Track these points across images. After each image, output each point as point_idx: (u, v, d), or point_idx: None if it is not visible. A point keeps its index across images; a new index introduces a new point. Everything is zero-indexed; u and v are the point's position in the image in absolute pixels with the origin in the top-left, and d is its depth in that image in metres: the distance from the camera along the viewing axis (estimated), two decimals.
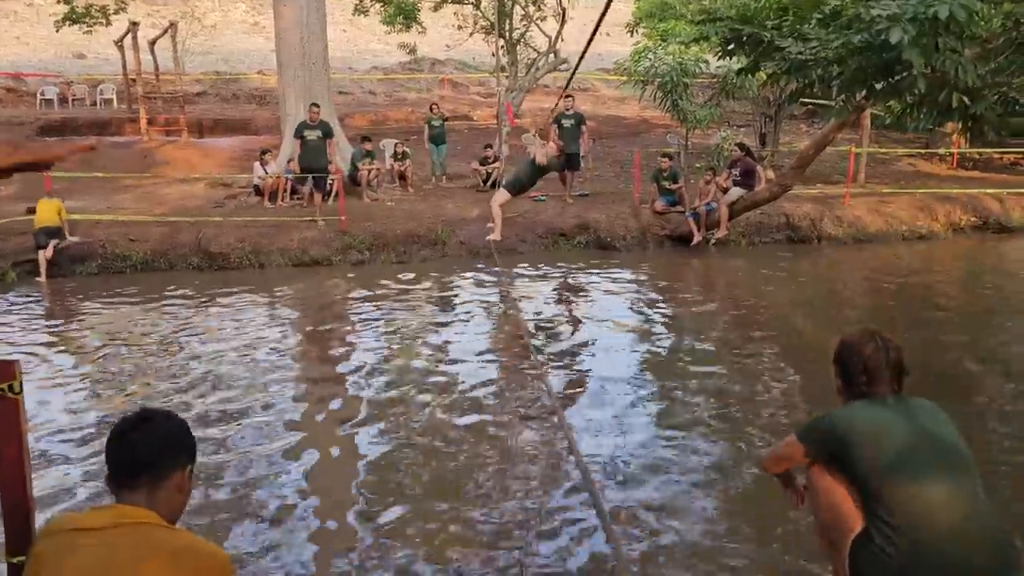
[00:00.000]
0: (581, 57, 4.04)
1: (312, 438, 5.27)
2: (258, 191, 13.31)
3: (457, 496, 4.41)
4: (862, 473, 2.23)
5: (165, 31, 18.23)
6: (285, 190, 13.21)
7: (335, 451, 5.12)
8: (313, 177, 12.33)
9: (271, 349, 7.17)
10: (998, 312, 8.88)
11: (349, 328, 8.02)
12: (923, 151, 19.41)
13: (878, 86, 5.20)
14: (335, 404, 5.89)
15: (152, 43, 18.72)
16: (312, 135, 12.42)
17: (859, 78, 4.98)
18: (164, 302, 8.99)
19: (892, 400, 2.34)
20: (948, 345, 7.36)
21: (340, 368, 6.77)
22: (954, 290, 9.95)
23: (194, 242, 10.92)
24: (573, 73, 5.15)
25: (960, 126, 9.41)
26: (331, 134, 12.70)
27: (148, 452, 1.90)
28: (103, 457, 1.95)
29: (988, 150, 18.53)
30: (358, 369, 6.65)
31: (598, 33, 3.87)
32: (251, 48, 32.09)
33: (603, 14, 3.07)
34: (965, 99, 5.21)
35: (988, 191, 14.53)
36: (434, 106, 15.99)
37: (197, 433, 2.19)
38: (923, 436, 2.23)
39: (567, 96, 14.19)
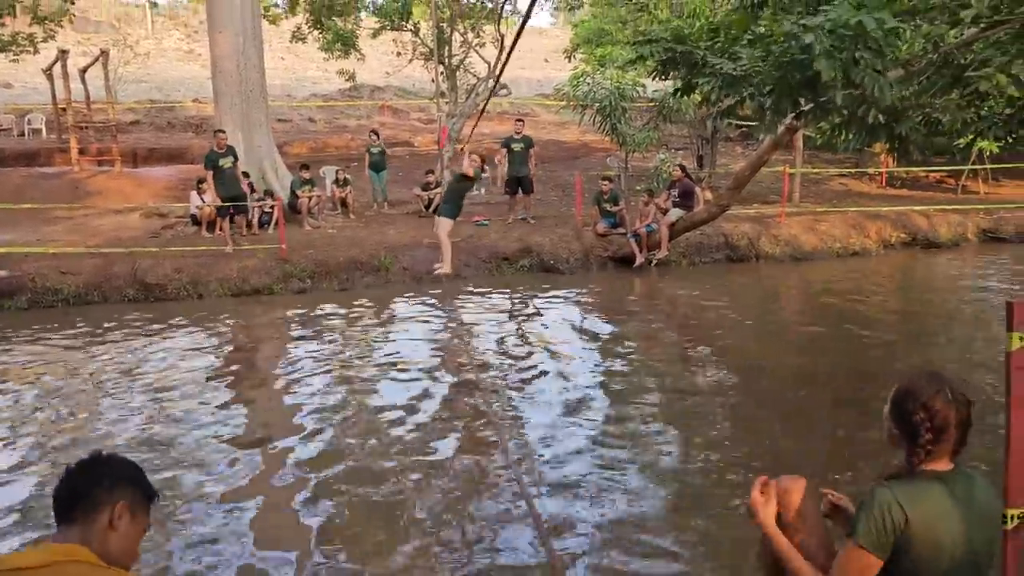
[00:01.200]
0: (499, 74, 4.08)
1: (253, 470, 5.13)
2: (195, 221, 13.05)
3: (401, 521, 4.35)
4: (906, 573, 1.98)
5: (96, 59, 17.86)
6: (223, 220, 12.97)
7: (277, 482, 5.00)
8: (235, 205, 12.09)
9: (209, 381, 7.00)
10: (927, 324, 9.15)
11: (290, 357, 7.87)
12: (853, 170, 20.02)
13: (804, 104, 5.34)
14: (276, 435, 5.76)
15: (83, 71, 18.31)
16: (227, 162, 11.95)
17: (785, 92, 5.11)
18: (98, 336, 8.72)
19: (960, 484, 2.02)
20: (880, 356, 7.55)
21: (282, 397, 6.64)
22: (886, 304, 10.23)
23: (129, 274, 10.64)
24: (492, 92, 5.20)
25: (887, 146, 9.72)
26: (238, 157, 12.39)
27: (82, 484, 1.88)
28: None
29: (915, 169, 19.18)
30: (300, 398, 6.54)
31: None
32: (186, 76, 31.66)
33: (518, 33, 3.10)
34: (881, 118, 5.38)
35: (916, 208, 15.04)
36: (373, 133, 15.96)
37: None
38: (970, 555, 1.99)
39: (518, 120, 14.31)
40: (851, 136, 6.91)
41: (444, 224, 10.48)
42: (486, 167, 11.18)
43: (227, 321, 9.36)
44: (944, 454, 2.02)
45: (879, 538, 1.94)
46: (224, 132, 12.47)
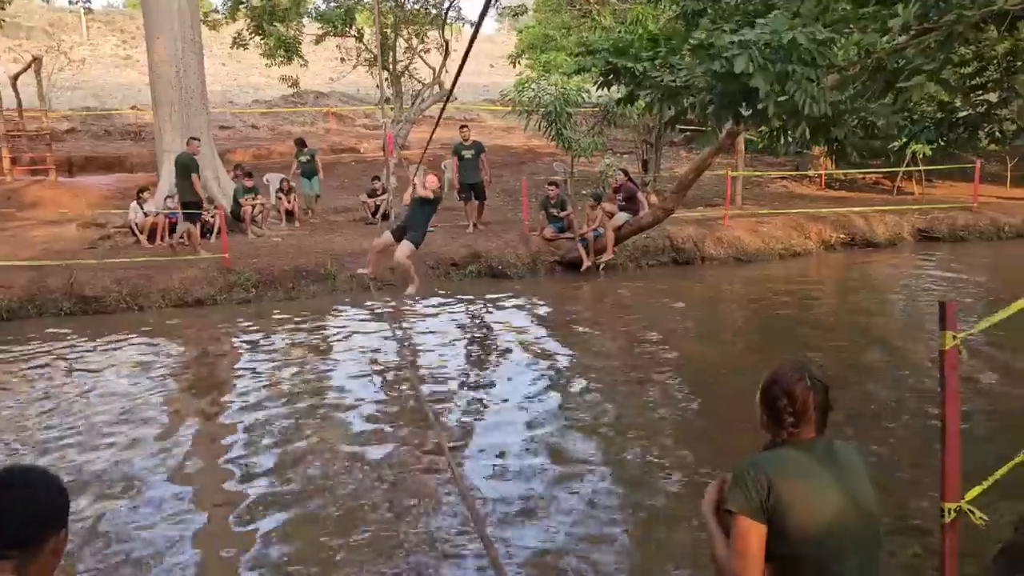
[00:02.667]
0: (453, 83, 4.06)
1: (194, 485, 5.03)
2: (135, 231, 12.75)
3: (342, 533, 4.30)
4: (786, 546, 2.03)
5: (28, 66, 17.34)
6: (164, 229, 12.70)
7: (219, 497, 4.90)
8: (191, 213, 11.91)
9: (150, 395, 6.84)
10: (867, 323, 9.38)
11: (233, 368, 7.74)
12: (794, 173, 20.46)
13: (744, 112, 5.44)
14: (219, 448, 5.67)
15: (14, 79, 17.76)
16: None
17: (724, 104, 5.20)
18: (31, 352, 8.44)
19: (821, 448, 2.13)
20: (823, 354, 7.72)
21: (226, 410, 6.52)
22: (828, 304, 10.46)
23: (65, 286, 10.33)
24: (447, 99, 5.20)
25: (826, 149, 9.97)
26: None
27: (14, 525, 1.68)
28: None
29: (852, 171, 19.68)
30: (243, 411, 6.43)
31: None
32: (123, 82, 30.93)
33: (471, 42, 3.09)
34: (807, 131, 5.52)
35: (854, 210, 15.42)
36: (300, 142, 15.81)
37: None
38: (849, 506, 2.06)
39: (463, 127, 14.26)
40: (789, 140, 7.07)
41: (405, 249, 9.26)
42: (442, 187, 10.84)
43: (169, 334, 9.14)
44: (806, 435, 2.13)
45: (750, 502, 2.02)
46: (198, 139, 12.39)
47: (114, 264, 10.95)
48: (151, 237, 12.54)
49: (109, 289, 10.37)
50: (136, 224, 12.67)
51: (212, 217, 12.50)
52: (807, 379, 2.14)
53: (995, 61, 7.90)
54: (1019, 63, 7.58)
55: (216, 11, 22.56)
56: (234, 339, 8.97)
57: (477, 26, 3.10)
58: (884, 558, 2.15)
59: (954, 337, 2.59)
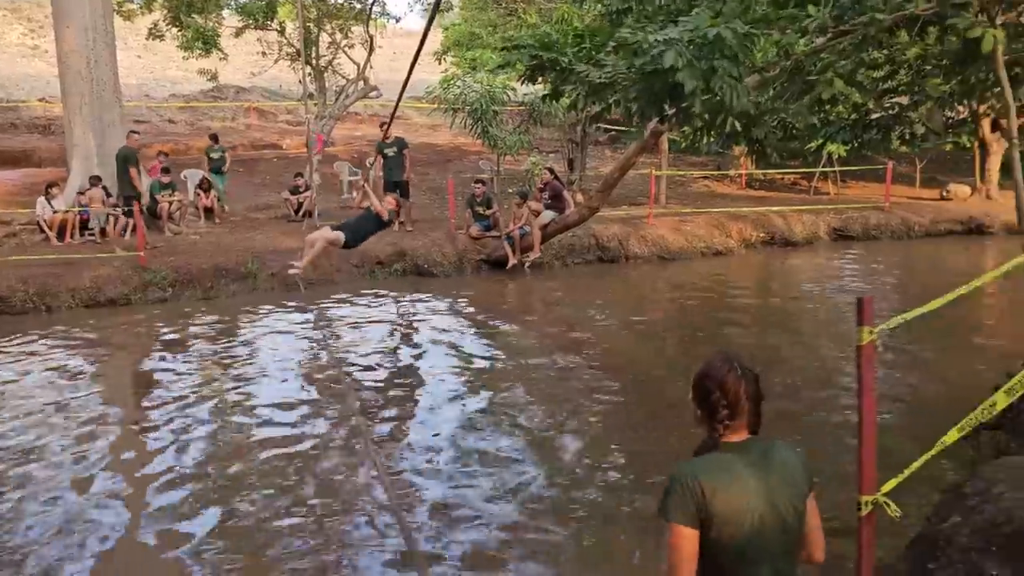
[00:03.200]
0: (403, 88, 3.98)
1: (111, 485, 4.80)
2: (43, 228, 12.17)
3: (270, 546, 4.16)
4: (705, 551, 2.06)
5: None
6: (75, 226, 12.17)
7: (137, 499, 4.69)
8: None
9: (59, 399, 6.51)
10: (787, 319, 9.61)
11: (149, 370, 7.44)
12: (716, 173, 20.87)
13: (668, 109, 5.48)
14: (135, 453, 5.44)
15: None
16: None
17: (649, 101, 5.23)
18: None
19: (756, 451, 2.12)
20: (744, 349, 7.86)
21: (142, 414, 6.26)
22: (749, 301, 10.67)
23: None
24: (397, 105, 5.09)
25: (746, 149, 10.17)
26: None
27: None
28: None
29: (772, 171, 20.18)
30: (160, 414, 6.18)
31: (408, 61, 3.81)
32: (31, 73, 29.62)
33: (421, 43, 3.01)
34: (737, 124, 5.60)
35: (773, 209, 15.81)
36: (212, 137, 15.43)
37: None
38: (770, 515, 2.06)
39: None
40: (711, 139, 7.17)
41: (334, 234, 9.11)
42: (348, 170, 10.65)
43: (79, 335, 8.74)
44: (740, 428, 2.13)
45: (683, 509, 2.02)
46: (138, 133, 12.34)
47: (20, 262, 10.43)
48: (60, 234, 12.00)
49: (15, 288, 9.86)
50: (44, 221, 12.10)
51: (127, 213, 12.04)
52: (737, 369, 2.14)
53: (906, 65, 8.17)
54: (929, 67, 7.86)
55: (131, 0, 21.72)
56: (150, 340, 8.63)
57: (428, 23, 3.02)
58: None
59: (871, 332, 2.63)
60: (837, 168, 19.44)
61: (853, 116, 8.91)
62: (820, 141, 9.19)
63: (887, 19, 5.80)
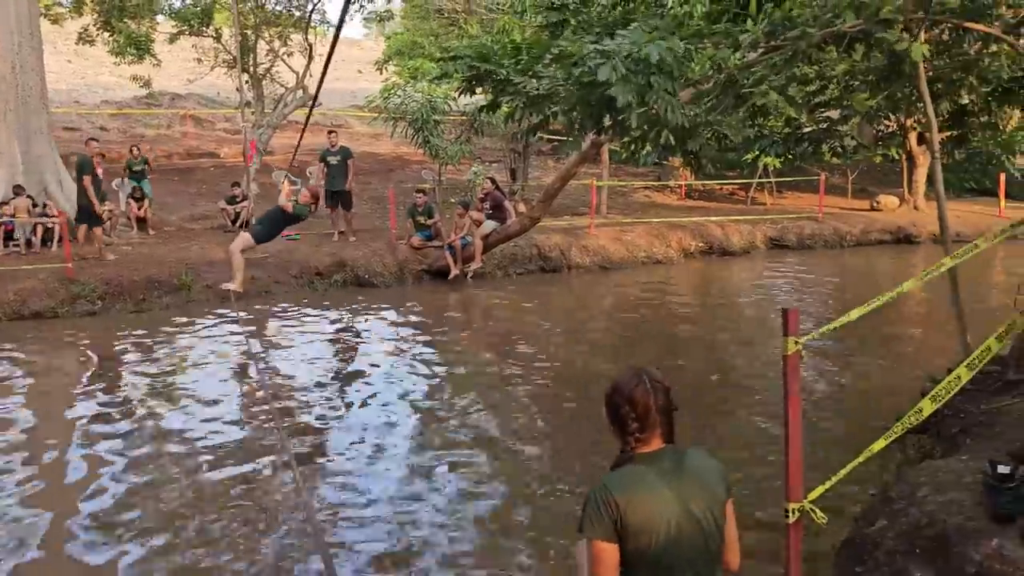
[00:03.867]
0: (318, 88, 3.93)
1: (31, 506, 4.62)
2: None
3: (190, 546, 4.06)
4: (627, 562, 2.09)
5: None
6: None
7: (58, 531, 4.52)
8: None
9: None
10: (722, 327, 9.77)
11: (75, 387, 7.20)
12: (656, 184, 21.16)
13: (606, 121, 5.54)
14: (65, 470, 5.24)
15: None
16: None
17: (586, 112, 5.27)
18: None
19: (669, 460, 2.15)
20: (681, 355, 7.97)
21: (67, 435, 6.05)
22: (686, 310, 10.82)
23: None
24: (313, 104, 5.04)
25: (683, 161, 10.34)
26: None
27: None
28: None
29: (710, 182, 20.56)
30: (84, 435, 5.99)
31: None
32: None
33: (332, 46, 2.97)
34: (671, 138, 5.69)
35: (712, 219, 16.09)
36: (135, 148, 15.06)
37: None
38: (687, 522, 2.10)
39: (331, 132, 13.89)
40: (648, 151, 7.27)
41: (242, 239, 9.63)
42: (317, 204, 10.60)
43: (1, 350, 8.41)
44: (653, 439, 2.16)
45: (599, 524, 2.05)
46: (96, 140, 12.16)
47: None
48: None
49: None
50: None
51: (52, 224, 11.68)
52: (646, 382, 2.17)
53: (835, 80, 8.40)
54: (856, 83, 8.09)
55: (60, 4, 21.11)
56: (76, 355, 8.35)
57: (338, 29, 2.99)
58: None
59: (796, 343, 2.68)
60: (773, 179, 19.90)
61: (786, 130, 9.14)
62: (755, 153, 9.40)
63: (817, 35, 5.95)
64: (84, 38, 20.07)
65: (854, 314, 2.80)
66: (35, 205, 12.32)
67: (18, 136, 12.70)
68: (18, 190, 12.21)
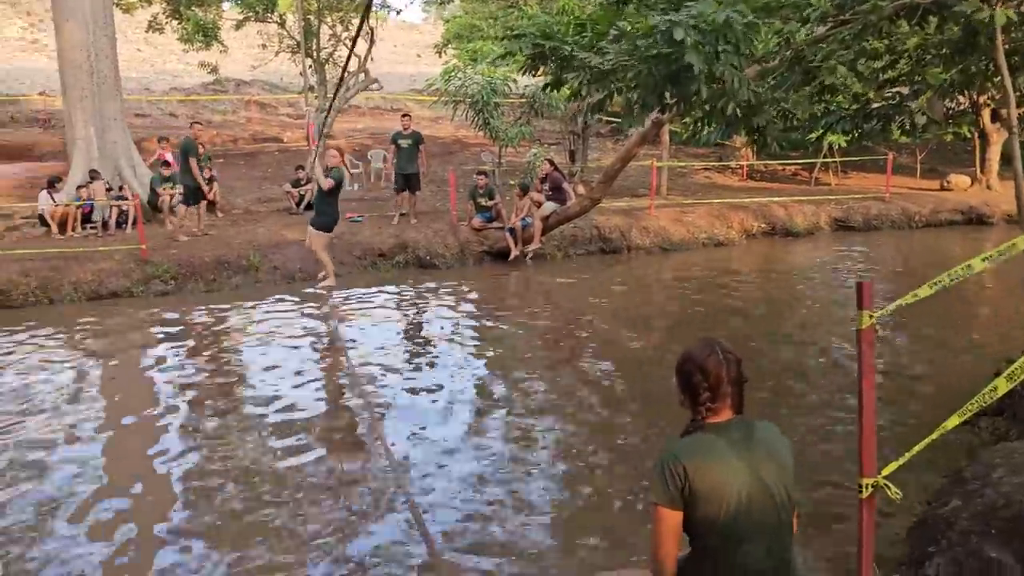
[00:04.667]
0: (344, 67, 3.99)
1: (123, 477, 4.84)
2: (44, 221, 12.20)
3: (278, 534, 4.20)
4: (694, 532, 2.13)
5: None
6: (76, 219, 12.20)
7: (151, 487, 4.72)
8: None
9: (52, 396, 6.52)
10: (790, 307, 9.63)
11: (156, 362, 7.46)
12: (717, 164, 20.87)
13: (669, 97, 5.50)
14: (147, 442, 5.47)
15: None
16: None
17: (650, 86, 5.24)
18: None
19: (738, 431, 2.17)
20: (746, 336, 7.89)
21: (152, 405, 6.29)
22: (752, 290, 10.68)
23: None
24: (338, 88, 5.10)
25: (747, 140, 10.18)
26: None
27: None
28: None
29: (772, 162, 20.19)
30: (171, 407, 6.22)
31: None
32: (32, 67, 29.62)
33: (360, 26, 3.01)
34: (739, 111, 5.62)
35: (774, 200, 15.81)
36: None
37: None
38: (757, 492, 2.10)
39: (404, 115, 13.99)
40: (712, 129, 7.18)
41: (320, 240, 9.45)
42: (348, 162, 10.68)
43: (80, 328, 8.76)
44: (723, 409, 2.19)
45: (667, 492, 2.09)
46: (201, 124, 12.71)
47: (22, 255, 10.46)
48: (62, 228, 12.02)
49: (16, 282, 9.88)
50: (47, 214, 12.13)
51: (127, 207, 12.08)
52: (719, 353, 2.20)
53: (906, 55, 8.17)
54: (928, 56, 7.86)
55: None
56: (152, 333, 8.65)
57: (366, 11, 3.02)
58: (805, 534, 2.20)
59: (870, 316, 2.65)
60: (838, 159, 19.44)
61: (854, 106, 8.90)
62: (821, 131, 9.19)
63: (889, 6, 5.81)
64: (154, 26, 20.63)
65: (923, 291, 2.75)
66: (110, 189, 12.75)
67: (94, 122, 13.13)
68: (94, 174, 12.65)
